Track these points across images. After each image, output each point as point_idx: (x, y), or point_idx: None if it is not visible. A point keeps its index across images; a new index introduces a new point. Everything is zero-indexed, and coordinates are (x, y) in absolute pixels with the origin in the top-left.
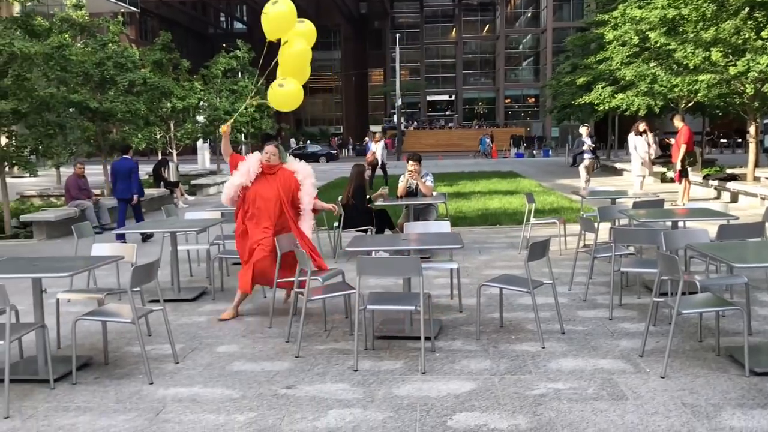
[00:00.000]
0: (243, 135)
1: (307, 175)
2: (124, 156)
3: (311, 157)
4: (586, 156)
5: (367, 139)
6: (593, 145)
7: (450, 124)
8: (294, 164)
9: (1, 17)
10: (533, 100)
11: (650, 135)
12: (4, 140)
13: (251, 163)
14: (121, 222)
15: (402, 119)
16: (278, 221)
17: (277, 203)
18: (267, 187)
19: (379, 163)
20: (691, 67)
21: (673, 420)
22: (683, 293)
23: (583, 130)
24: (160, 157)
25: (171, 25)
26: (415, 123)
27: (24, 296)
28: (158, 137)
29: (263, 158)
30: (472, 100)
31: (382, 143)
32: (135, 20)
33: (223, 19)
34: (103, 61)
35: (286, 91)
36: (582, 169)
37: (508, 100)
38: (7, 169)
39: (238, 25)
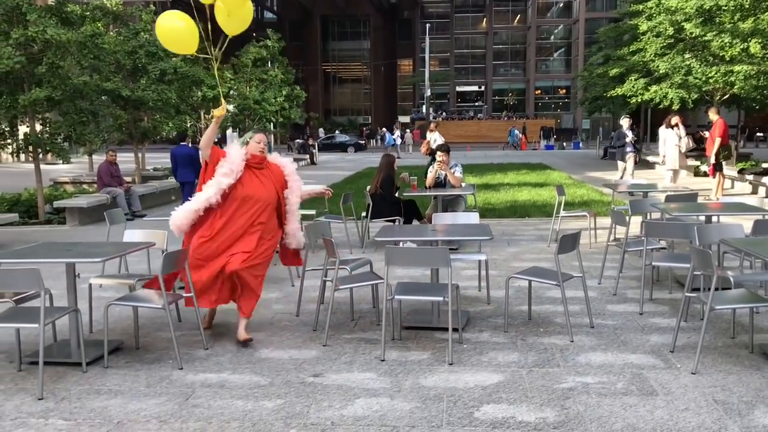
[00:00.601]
0: (272, 124)
1: (292, 172)
2: (182, 143)
3: (339, 147)
4: (629, 150)
5: (384, 129)
6: (635, 138)
7: (479, 115)
8: (277, 158)
9: (36, 5)
10: (564, 91)
11: (682, 128)
12: (38, 127)
13: (234, 158)
14: None
15: (431, 110)
16: (269, 224)
17: (272, 204)
18: (257, 185)
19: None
20: (728, 59)
21: (704, 417)
22: (716, 289)
23: (625, 122)
24: (189, 145)
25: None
26: (444, 114)
27: (58, 281)
28: (188, 125)
29: (254, 149)
30: (502, 91)
31: (437, 133)
32: (167, 9)
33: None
34: (135, 49)
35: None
36: (627, 163)
37: (539, 92)
38: (41, 155)
39: (268, 15)
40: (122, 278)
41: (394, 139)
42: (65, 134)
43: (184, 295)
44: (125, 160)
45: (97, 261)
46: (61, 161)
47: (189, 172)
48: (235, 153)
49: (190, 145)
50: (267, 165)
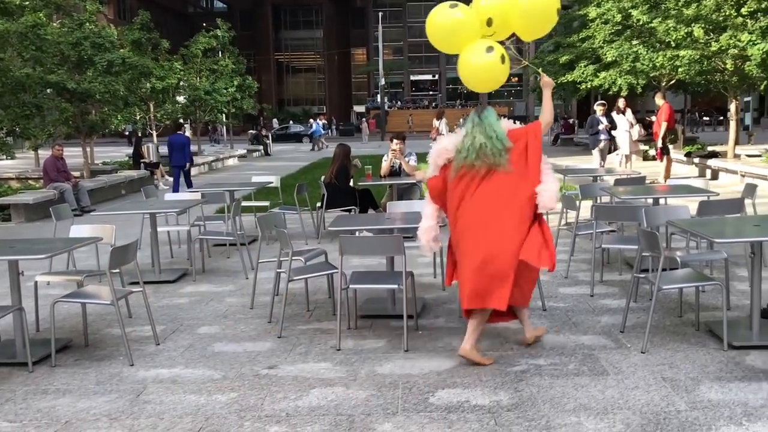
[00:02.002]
0: (224, 116)
1: None
2: (178, 132)
3: (294, 138)
4: (602, 137)
5: (311, 120)
6: (609, 125)
7: (434, 104)
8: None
9: None
10: (516, 79)
11: (630, 113)
12: None
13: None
14: (176, 186)
15: (386, 99)
16: None
17: None
18: None
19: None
20: (673, 44)
21: (653, 394)
22: (664, 269)
23: (598, 109)
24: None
25: (149, 4)
26: (399, 103)
27: (0, 279)
28: (138, 118)
29: None
30: (456, 79)
31: (444, 120)
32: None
33: None
34: (80, 41)
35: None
36: (596, 152)
37: None
38: None
39: (218, 4)
40: (70, 275)
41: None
42: (8, 129)
43: (134, 290)
44: (73, 154)
45: (41, 258)
46: (4, 157)
47: (182, 156)
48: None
49: (182, 132)
50: None
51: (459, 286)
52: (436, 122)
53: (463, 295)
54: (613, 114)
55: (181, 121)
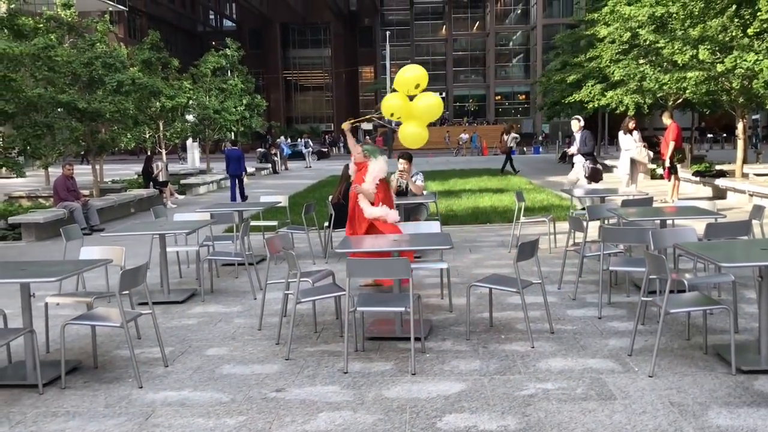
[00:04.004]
0: (233, 134)
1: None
2: (233, 147)
3: (301, 156)
4: (579, 161)
5: (281, 139)
6: (573, 151)
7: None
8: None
9: None
10: (524, 97)
11: (636, 135)
12: None
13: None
14: (233, 195)
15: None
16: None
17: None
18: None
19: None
20: (680, 65)
21: (661, 419)
22: (671, 292)
23: (574, 124)
24: (148, 155)
25: (159, 24)
26: None
27: (12, 300)
28: (147, 137)
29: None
30: (463, 97)
31: (512, 135)
32: (123, 19)
33: (212, 16)
34: (91, 61)
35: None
36: (575, 171)
37: (499, 97)
38: None
39: (227, 23)
40: (80, 296)
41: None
42: (20, 148)
43: (144, 312)
44: (83, 173)
45: (52, 280)
46: (15, 175)
47: (237, 167)
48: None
49: (237, 147)
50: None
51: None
52: (505, 136)
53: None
54: (620, 134)
55: (233, 137)
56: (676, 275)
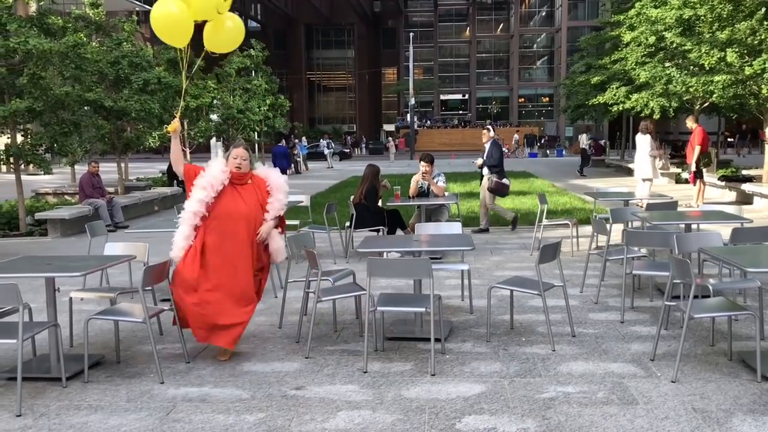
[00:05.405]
0: (256, 134)
1: (276, 186)
2: (280, 144)
3: (323, 156)
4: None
5: (321, 140)
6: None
7: (465, 122)
8: (264, 171)
9: (17, 16)
10: (547, 99)
11: (649, 136)
12: (19, 138)
13: (214, 172)
14: None
15: (415, 118)
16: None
17: (255, 221)
18: (238, 202)
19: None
20: (707, 68)
21: (683, 425)
22: (695, 297)
23: (484, 136)
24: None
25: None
26: (429, 122)
27: (37, 294)
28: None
29: (231, 165)
30: (486, 99)
31: (585, 135)
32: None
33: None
34: (118, 59)
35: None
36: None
37: (522, 100)
38: (22, 166)
39: (252, 24)
40: (103, 291)
41: (307, 149)
42: (47, 145)
43: (165, 308)
44: (108, 170)
45: (76, 275)
46: (42, 172)
47: (284, 162)
48: (216, 167)
49: (282, 144)
50: (252, 179)
51: None
52: (579, 137)
53: None
54: (638, 135)
55: (285, 133)
56: (701, 280)
